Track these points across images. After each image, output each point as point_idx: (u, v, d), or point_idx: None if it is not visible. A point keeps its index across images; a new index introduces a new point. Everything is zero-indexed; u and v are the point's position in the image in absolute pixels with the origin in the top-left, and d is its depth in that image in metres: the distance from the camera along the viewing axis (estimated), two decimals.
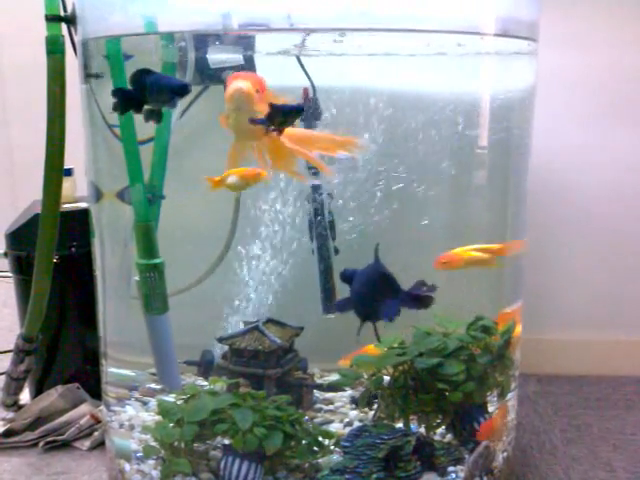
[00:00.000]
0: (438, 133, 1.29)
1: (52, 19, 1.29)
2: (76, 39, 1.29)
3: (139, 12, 1.15)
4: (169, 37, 1.19)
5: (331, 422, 1.35)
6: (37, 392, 1.70)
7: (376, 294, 1.18)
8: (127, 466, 1.26)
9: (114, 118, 1.25)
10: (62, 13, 1.30)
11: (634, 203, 1.95)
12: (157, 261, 1.31)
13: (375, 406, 1.27)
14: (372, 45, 1.18)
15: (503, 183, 1.32)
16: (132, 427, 1.33)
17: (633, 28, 1.86)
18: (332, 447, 1.20)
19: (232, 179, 1.15)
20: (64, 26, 1.31)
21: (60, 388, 1.64)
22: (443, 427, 1.26)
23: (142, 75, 1.09)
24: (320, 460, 1.19)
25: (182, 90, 1.09)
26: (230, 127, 1.05)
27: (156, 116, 1.12)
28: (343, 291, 1.31)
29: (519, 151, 1.31)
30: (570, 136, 1.91)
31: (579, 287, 1.98)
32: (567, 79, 1.87)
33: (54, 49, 1.31)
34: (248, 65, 1.20)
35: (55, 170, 1.40)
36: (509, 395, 1.32)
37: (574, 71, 1.87)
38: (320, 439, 1.20)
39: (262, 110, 1.03)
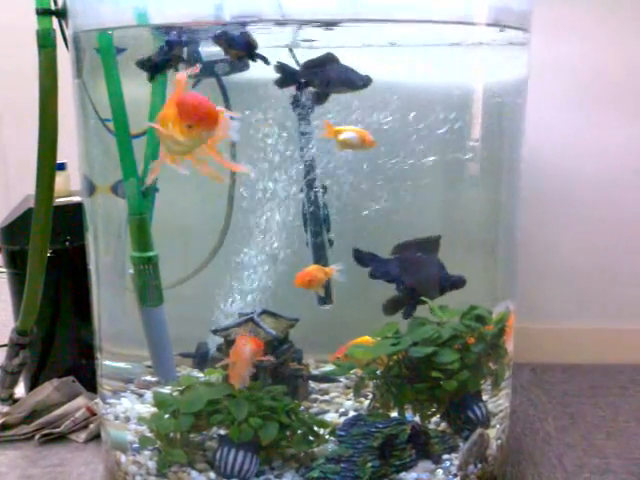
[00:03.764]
0: (430, 125, 1.29)
1: (43, 13, 1.29)
2: (67, 33, 1.28)
3: (130, 4, 1.15)
4: (161, 29, 1.19)
5: (326, 412, 1.35)
6: (32, 385, 1.70)
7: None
8: (123, 457, 1.26)
9: (107, 112, 1.25)
10: (53, 6, 1.29)
11: (628, 192, 1.96)
12: (151, 254, 1.31)
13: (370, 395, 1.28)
14: (363, 36, 1.18)
15: (496, 173, 1.33)
16: (128, 419, 1.33)
17: (629, 17, 1.86)
18: (327, 436, 1.21)
19: (348, 135, 1.15)
20: (55, 20, 1.31)
21: (55, 381, 1.65)
22: (438, 416, 1.27)
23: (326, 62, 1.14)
24: (315, 449, 1.20)
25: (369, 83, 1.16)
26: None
27: (322, 100, 1.20)
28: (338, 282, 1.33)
29: (512, 143, 1.32)
30: (564, 125, 1.92)
31: (573, 276, 1.99)
32: (562, 68, 1.87)
33: (45, 43, 1.31)
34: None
35: (48, 164, 1.40)
36: (503, 384, 1.33)
37: (569, 60, 1.87)
38: (315, 429, 1.21)
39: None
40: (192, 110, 0.95)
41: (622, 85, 1.89)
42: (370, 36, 1.18)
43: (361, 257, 1.30)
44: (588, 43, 1.87)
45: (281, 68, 1.19)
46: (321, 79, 1.19)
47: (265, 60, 1.17)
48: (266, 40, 1.19)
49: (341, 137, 1.17)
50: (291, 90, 1.25)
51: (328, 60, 1.18)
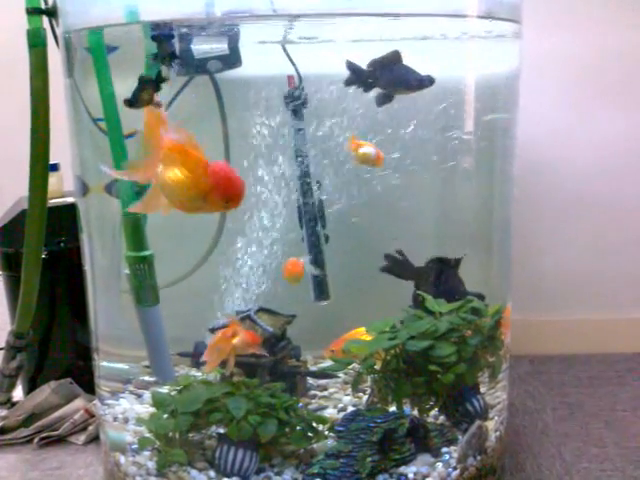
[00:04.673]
0: (422, 119, 1.29)
1: (33, 12, 1.28)
2: (58, 32, 1.28)
3: (121, 2, 1.15)
4: (152, 27, 1.18)
5: (325, 408, 1.35)
6: (30, 388, 1.70)
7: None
8: (122, 458, 1.26)
9: (99, 111, 1.24)
10: (43, 5, 1.29)
11: (621, 184, 1.96)
12: (146, 253, 1.31)
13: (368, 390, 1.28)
14: (355, 31, 1.17)
15: (489, 167, 1.33)
16: (126, 420, 1.33)
17: (620, 11, 1.86)
18: (326, 432, 1.21)
19: (367, 149, 1.17)
20: (46, 19, 1.30)
21: (53, 384, 1.64)
22: (436, 409, 1.27)
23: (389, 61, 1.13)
24: (315, 445, 1.20)
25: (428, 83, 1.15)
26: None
27: (388, 101, 1.18)
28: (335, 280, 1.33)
29: (505, 135, 1.31)
30: (557, 118, 1.92)
31: (569, 267, 2.00)
32: (555, 61, 1.87)
33: (36, 42, 1.30)
34: (233, 54, 1.19)
35: (41, 165, 1.39)
36: (500, 375, 1.33)
37: (562, 53, 1.87)
38: (314, 425, 1.21)
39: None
40: (231, 189, 0.93)
41: (616, 78, 1.90)
42: (360, 30, 1.18)
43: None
44: (580, 35, 1.87)
45: (352, 67, 1.16)
46: (385, 79, 1.16)
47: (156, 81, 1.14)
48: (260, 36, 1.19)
49: (361, 151, 1.17)
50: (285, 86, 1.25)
51: (392, 59, 1.15)
